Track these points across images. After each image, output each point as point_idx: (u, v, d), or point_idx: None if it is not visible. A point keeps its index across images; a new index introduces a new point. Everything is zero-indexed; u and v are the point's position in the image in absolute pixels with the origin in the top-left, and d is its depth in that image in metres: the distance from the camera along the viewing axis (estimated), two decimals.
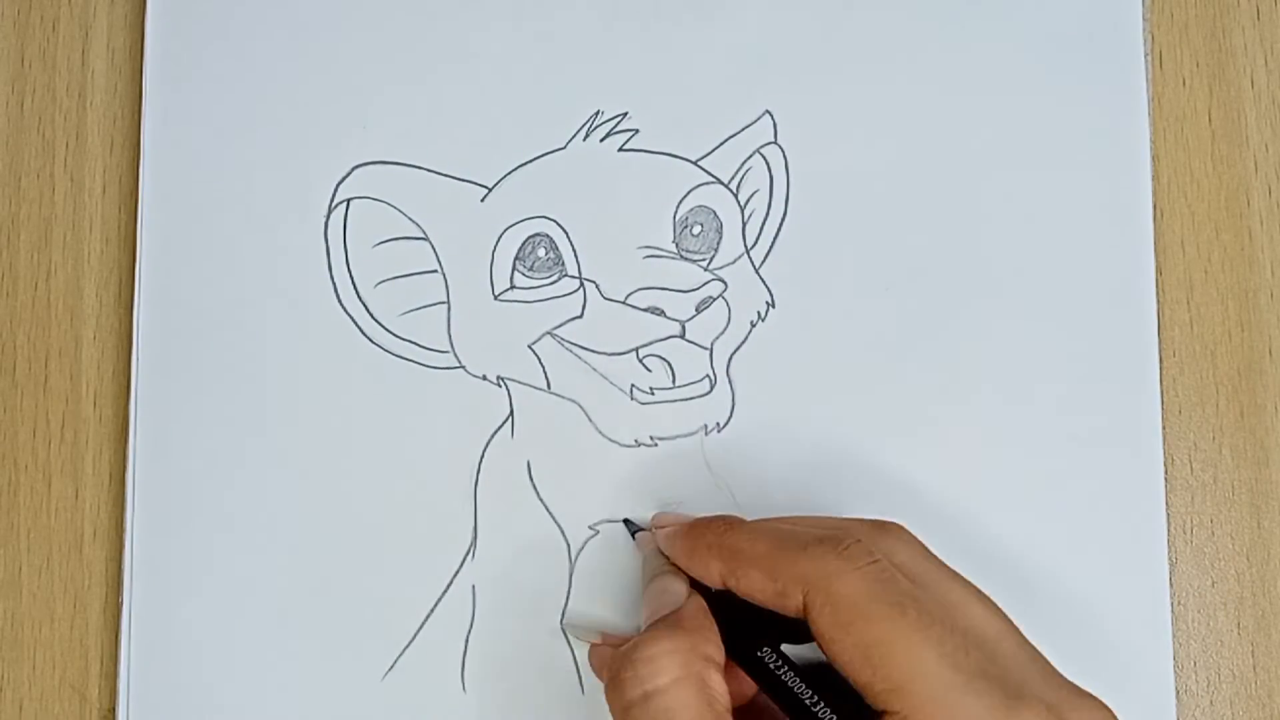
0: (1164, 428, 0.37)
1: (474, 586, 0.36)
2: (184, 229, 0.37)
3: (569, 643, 0.36)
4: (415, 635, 0.36)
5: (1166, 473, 0.37)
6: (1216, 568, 0.37)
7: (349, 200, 0.37)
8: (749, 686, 0.31)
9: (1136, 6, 0.38)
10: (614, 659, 0.29)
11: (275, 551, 0.36)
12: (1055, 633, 0.36)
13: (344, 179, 0.38)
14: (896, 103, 0.38)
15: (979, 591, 0.29)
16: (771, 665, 0.30)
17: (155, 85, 0.38)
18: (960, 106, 0.38)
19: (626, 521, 0.36)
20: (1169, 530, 0.36)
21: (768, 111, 0.38)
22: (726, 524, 0.32)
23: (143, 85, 0.38)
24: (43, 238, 0.38)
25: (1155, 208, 0.38)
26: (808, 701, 0.29)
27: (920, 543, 0.30)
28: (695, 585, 0.32)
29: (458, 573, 0.36)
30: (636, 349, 0.36)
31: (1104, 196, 0.38)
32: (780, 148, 0.38)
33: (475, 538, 0.36)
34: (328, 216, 0.37)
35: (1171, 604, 0.36)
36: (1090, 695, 0.28)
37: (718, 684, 0.29)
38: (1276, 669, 0.37)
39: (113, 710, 0.36)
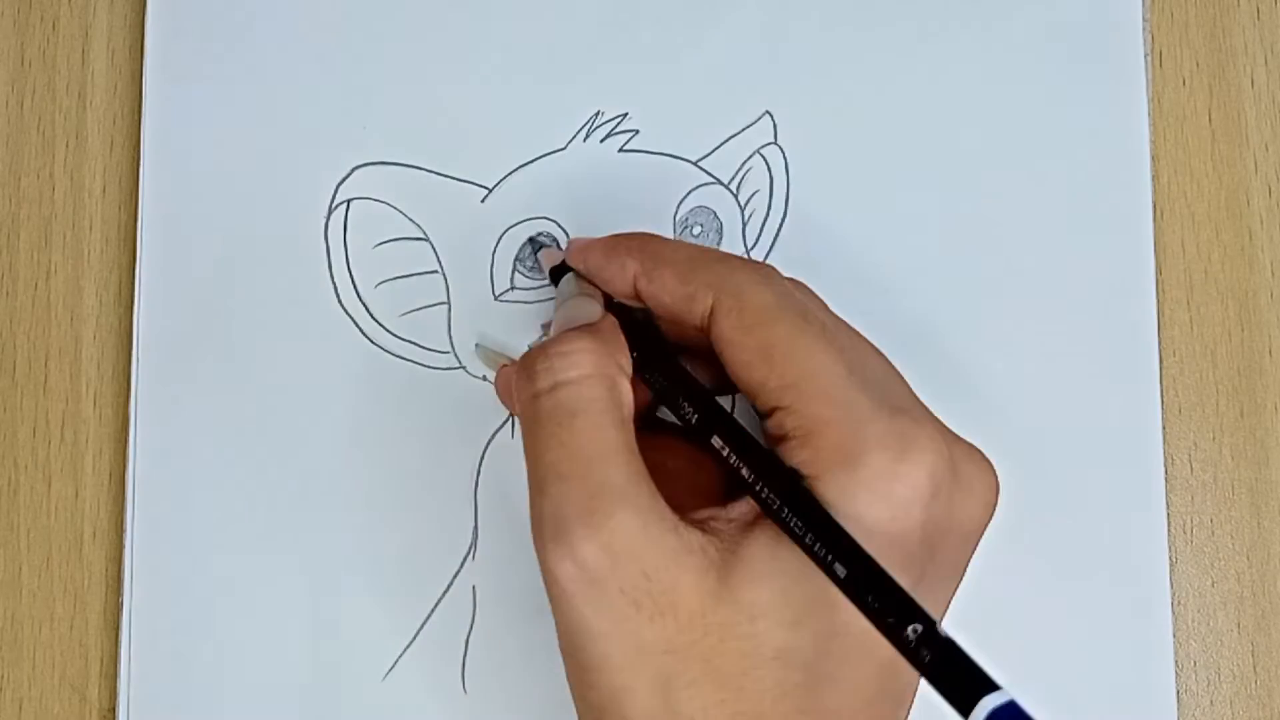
0: (1164, 428, 0.37)
1: (474, 586, 0.36)
2: (184, 229, 0.37)
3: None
4: (415, 635, 0.36)
5: (1166, 473, 0.37)
6: (1216, 568, 0.37)
7: (349, 201, 0.37)
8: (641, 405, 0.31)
9: (1136, 6, 0.38)
10: (528, 354, 0.30)
11: (275, 551, 0.36)
12: (1055, 633, 0.36)
13: (344, 179, 0.38)
14: (896, 103, 0.38)
15: (874, 347, 0.31)
16: (670, 382, 0.30)
17: (155, 85, 0.38)
18: (960, 106, 0.38)
19: (531, 240, 0.37)
20: (1169, 530, 0.36)
21: (768, 111, 0.38)
22: (649, 234, 0.32)
23: (143, 85, 0.38)
24: (43, 238, 0.38)
25: (1155, 208, 0.38)
26: (696, 415, 0.29)
27: (822, 301, 0.31)
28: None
29: (458, 573, 0.36)
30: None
31: (1104, 196, 0.38)
32: (780, 148, 0.38)
33: (475, 538, 0.36)
34: (328, 217, 0.37)
35: (1171, 604, 0.36)
36: (977, 449, 0.29)
37: (625, 389, 0.29)
38: (1276, 669, 0.37)
39: (113, 710, 0.36)
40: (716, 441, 0.28)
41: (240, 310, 0.37)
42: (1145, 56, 0.38)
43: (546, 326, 0.36)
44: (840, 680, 0.27)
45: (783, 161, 0.38)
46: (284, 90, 0.38)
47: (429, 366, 0.37)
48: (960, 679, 0.23)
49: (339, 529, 0.36)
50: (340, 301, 0.37)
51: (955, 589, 0.29)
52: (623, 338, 0.30)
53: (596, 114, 0.38)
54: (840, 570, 0.25)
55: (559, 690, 0.36)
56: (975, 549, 0.29)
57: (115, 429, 0.38)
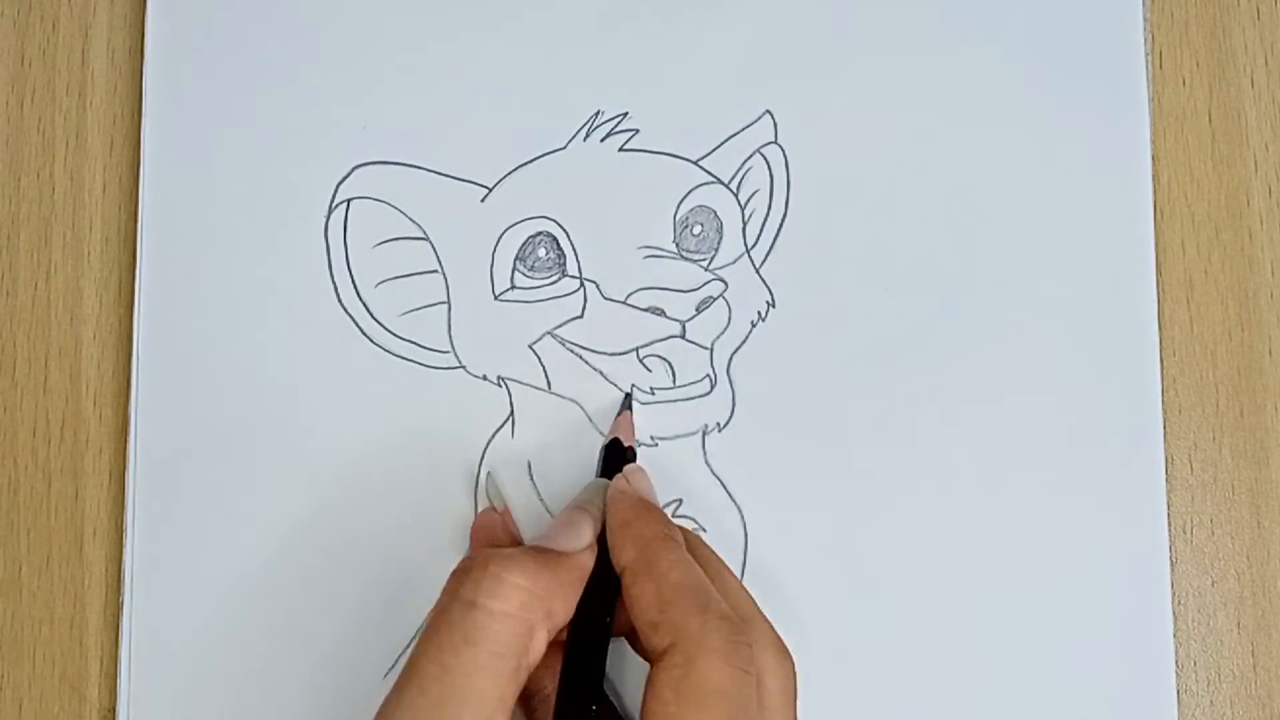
0: (1164, 428, 0.37)
1: None
2: (184, 229, 0.37)
3: None
4: (415, 635, 0.36)
5: (1166, 473, 0.37)
6: (1216, 568, 0.37)
7: (349, 200, 0.37)
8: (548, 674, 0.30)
9: (1136, 6, 0.38)
10: (478, 554, 0.29)
11: (275, 551, 0.36)
12: (1055, 632, 0.36)
13: (344, 179, 0.38)
14: (896, 102, 0.38)
15: None
16: (578, 651, 0.29)
17: (155, 85, 0.38)
18: (960, 106, 0.38)
19: (627, 396, 0.36)
20: (1169, 530, 0.36)
21: (768, 111, 0.38)
22: (670, 536, 0.31)
23: (143, 85, 0.38)
24: (43, 238, 0.38)
25: (1155, 208, 0.38)
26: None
27: (794, 688, 0.30)
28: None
29: None
30: (637, 349, 0.36)
31: (1104, 196, 0.38)
32: (780, 148, 0.38)
33: None
34: (328, 216, 0.37)
35: (1171, 604, 0.36)
36: None
37: (538, 646, 0.28)
38: (1276, 669, 0.37)
39: (113, 710, 0.36)
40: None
41: (240, 310, 0.37)
42: (1145, 56, 0.38)
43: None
44: None
45: (783, 161, 0.38)
46: (284, 90, 0.38)
47: (429, 366, 0.37)
48: None
49: (339, 528, 0.36)
50: (340, 301, 0.37)
51: None
52: (578, 592, 0.29)
53: (597, 113, 0.38)
54: None
55: None
56: None
57: (115, 429, 0.38)
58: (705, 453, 0.36)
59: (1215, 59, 0.39)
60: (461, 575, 0.28)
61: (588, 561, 0.30)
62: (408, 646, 0.36)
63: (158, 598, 0.36)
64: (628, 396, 0.36)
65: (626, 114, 0.38)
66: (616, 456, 0.35)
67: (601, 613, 0.30)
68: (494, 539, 0.35)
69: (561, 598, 0.29)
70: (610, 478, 0.33)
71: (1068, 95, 0.38)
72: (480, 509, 0.36)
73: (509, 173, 0.37)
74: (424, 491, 0.36)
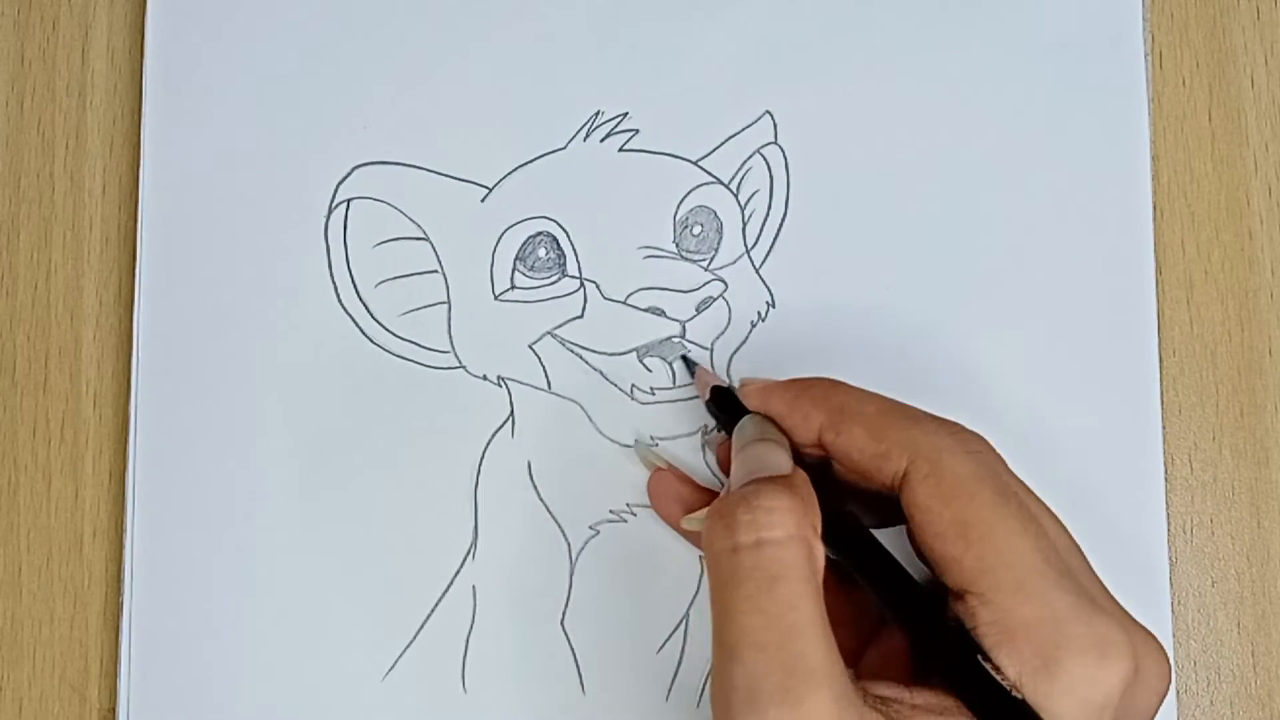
0: (1164, 428, 0.37)
1: (474, 586, 0.36)
2: (184, 229, 0.37)
3: (569, 643, 0.36)
4: (415, 635, 0.36)
5: (1166, 473, 0.37)
6: (1216, 568, 0.37)
7: (349, 200, 0.37)
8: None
9: (1136, 6, 0.38)
10: (728, 500, 0.28)
11: (275, 551, 0.36)
12: None
13: (344, 179, 0.38)
14: (896, 103, 0.38)
15: (1052, 511, 0.30)
16: (859, 543, 0.29)
17: (155, 85, 0.38)
18: (960, 106, 0.38)
19: (685, 359, 0.36)
20: (1169, 530, 0.36)
21: (768, 111, 0.38)
22: (832, 381, 0.31)
23: (143, 85, 0.38)
24: (43, 238, 0.38)
25: (1155, 208, 0.38)
26: (890, 584, 0.29)
27: (1003, 459, 0.30)
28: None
29: (458, 573, 0.36)
30: (637, 349, 0.36)
31: (1104, 197, 0.38)
32: (780, 148, 0.38)
33: (475, 538, 0.36)
34: (328, 216, 0.37)
35: (1171, 604, 0.36)
36: (1154, 638, 0.28)
37: (820, 556, 0.28)
38: (1276, 669, 0.37)
39: (113, 710, 0.36)
40: (915, 630, 0.28)
41: (240, 310, 0.37)
42: (1145, 56, 0.38)
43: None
44: None
45: (783, 161, 0.38)
46: (284, 90, 0.38)
47: (429, 366, 0.37)
48: None
49: (339, 528, 0.36)
50: (340, 301, 0.37)
51: None
52: (814, 496, 0.29)
53: (597, 113, 0.38)
54: None
55: (558, 690, 0.36)
56: None
57: (115, 429, 0.38)
58: (705, 453, 0.36)
59: (1215, 59, 0.39)
60: (728, 523, 0.28)
61: (803, 474, 0.30)
62: (408, 646, 0.36)
63: (158, 598, 0.36)
64: (686, 359, 0.36)
65: (626, 114, 0.38)
66: (724, 396, 0.34)
67: (848, 513, 0.30)
68: (678, 494, 0.35)
69: (812, 507, 0.29)
70: (736, 417, 0.33)
71: (1068, 95, 0.38)
72: (642, 466, 0.36)
73: (509, 173, 0.37)
74: (424, 491, 0.36)
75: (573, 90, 0.38)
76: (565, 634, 0.36)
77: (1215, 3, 0.39)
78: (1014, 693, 0.26)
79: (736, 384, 0.34)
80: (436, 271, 0.37)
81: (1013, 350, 0.37)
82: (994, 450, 0.30)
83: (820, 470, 0.31)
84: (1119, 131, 0.38)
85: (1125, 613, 0.28)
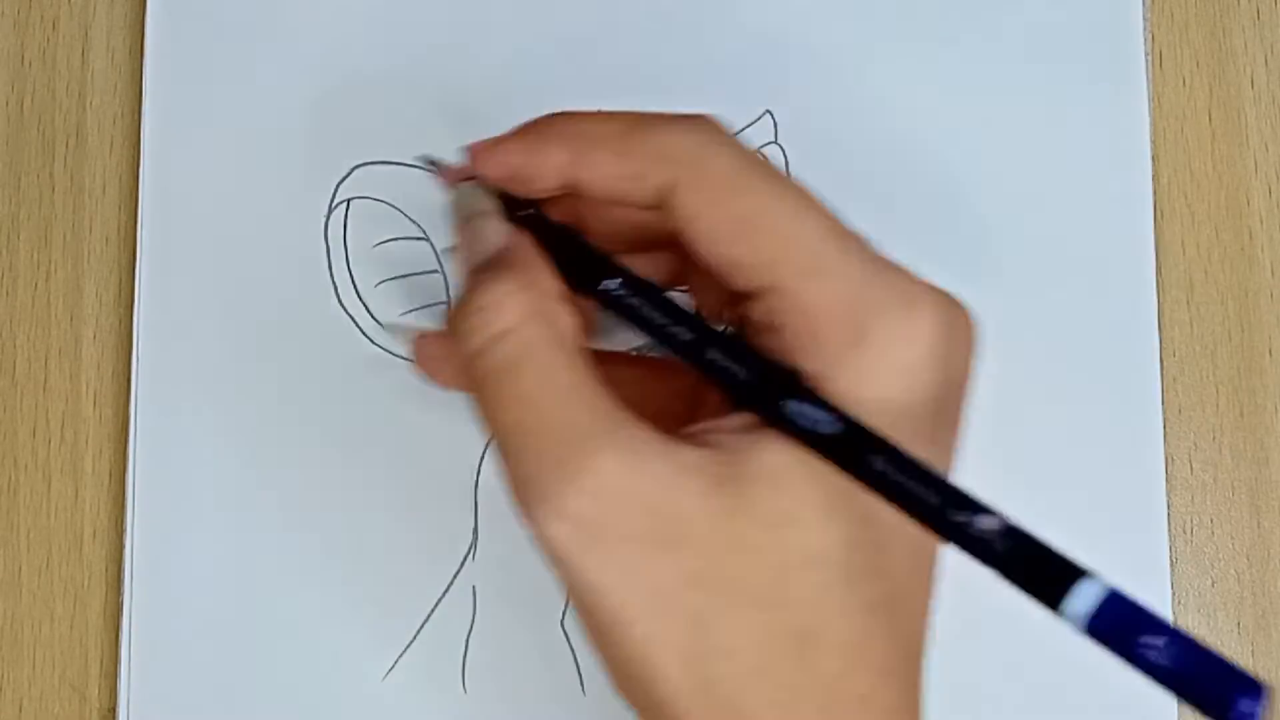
0: (1164, 428, 0.37)
1: (474, 586, 0.36)
2: (184, 229, 0.37)
3: (569, 643, 0.36)
4: (415, 635, 0.36)
5: (1166, 473, 0.37)
6: (1216, 568, 0.37)
7: (349, 200, 0.37)
8: (587, 315, 0.29)
9: (1137, 6, 0.38)
10: (451, 315, 0.27)
11: (275, 551, 0.36)
12: (1056, 632, 0.36)
13: (344, 179, 0.38)
14: (896, 103, 0.38)
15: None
16: (616, 290, 0.27)
17: (155, 85, 0.38)
18: (959, 106, 0.38)
19: (428, 160, 0.32)
20: (1169, 530, 0.36)
21: (768, 111, 0.38)
22: (568, 112, 0.28)
23: (143, 85, 0.38)
24: (43, 238, 0.38)
25: (1155, 208, 0.38)
26: (663, 322, 0.26)
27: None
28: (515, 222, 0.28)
29: (458, 573, 0.36)
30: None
31: (1104, 197, 0.38)
32: (780, 147, 0.38)
33: (475, 538, 0.36)
34: (328, 216, 0.37)
35: (1171, 604, 0.36)
36: (951, 294, 0.27)
37: (565, 317, 0.26)
38: (1276, 669, 0.37)
39: (113, 710, 0.36)
40: (713, 356, 0.26)
41: (240, 310, 0.37)
42: (1145, 56, 0.38)
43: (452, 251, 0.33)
44: (880, 571, 0.25)
45: (783, 161, 0.38)
46: (284, 90, 0.38)
47: None
48: (1040, 569, 0.22)
49: (339, 528, 0.36)
50: (340, 301, 0.37)
51: (957, 443, 0.28)
52: (540, 257, 0.27)
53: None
54: (877, 466, 0.23)
55: (559, 690, 0.36)
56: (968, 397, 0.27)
57: (115, 429, 0.38)
58: None
59: (1215, 59, 0.39)
60: (461, 335, 0.26)
61: (521, 239, 0.28)
62: (408, 646, 0.36)
63: (158, 598, 0.36)
64: (432, 162, 0.32)
65: None
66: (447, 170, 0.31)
67: (586, 251, 0.28)
68: (444, 350, 0.32)
69: (540, 273, 0.27)
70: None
71: (1068, 95, 0.38)
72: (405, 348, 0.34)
73: None
74: (424, 492, 0.36)
75: (572, 90, 0.38)
76: (565, 634, 0.36)
77: (1215, 3, 0.39)
78: (814, 379, 0.25)
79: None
80: (436, 272, 0.37)
81: (1012, 350, 0.37)
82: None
83: (552, 227, 0.28)
84: (1119, 131, 0.38)
85: (914, 274, 0.26)
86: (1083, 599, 0.22)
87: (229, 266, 0.37)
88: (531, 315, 0.26)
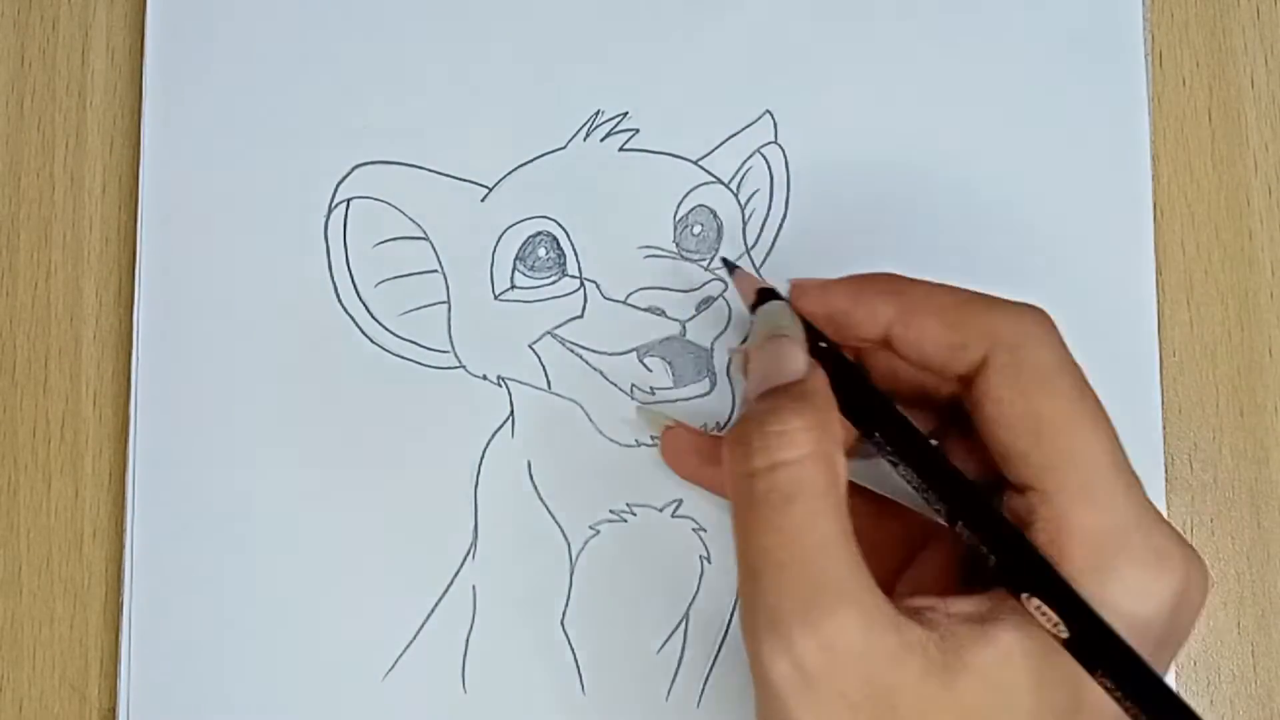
0: (1164, 428, 0.37)
1: (474, 586, 0.36)
2: (184, 229, 0.37)
3: (569, 643, 0.36)
4: (415, 635, 0.36)
5: (1166, 473, 0.37)
6: (1216, 568, 0.37)
7: (349, 200, 0.37)
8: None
9: (1136, 6, 0.38)
10: (740, 428, 0.27)
11: (275, 551, 0.36)
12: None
13: (344, 179, 0.38)
14: (896, 103, 0.38)
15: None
16: (890, 447, 0.28)
17: (155, 85, 0.38)
18: (960, 106, 0.38)
19: (725, 261, 0.34)
20: None
21: (768, 111, 0.38)
22: (895, 276, 0.30)
23: (143, 85, 0.38)
24: (43, 238, 0.38)
25: (1155, 208, 0.38)
26: (921, 486, 0.28)
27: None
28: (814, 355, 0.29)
29: (458, 573, 0.36)
30: (637, 349, 0.36)
31: (1104, 197, 0.38)
32: (780, 147, 0.38)
33: (475, 538, 0.36)
34: (328, 216, 0.37)
35: None
36: (1195, 552, 0.27)
37: (841, 466, 0.27)
38: (1276, 669, 0.37)
39: (113, 710, 0.36)
40: (963, 530, 0.27)
41: (240, 310, 0.37)
42: (1145, 56, 0.38)
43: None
44: None
45: (783, 161, 0.38)
46: (284, 90, 0.38)
47: (429, 366, 0.37)
48: None
49: (338, 528, 0.36)
50: (340, 301, 0.37)
51: None
52: (834, 399, 0.28)
53: (597, 113, 0.38)
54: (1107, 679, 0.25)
55: (558, 690, 0.36)
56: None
57: (115, 429, 0.38)
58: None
59: (1215, 59, 0.39)
60: (744, 450, 0.27)
61: (821, 376, 0.29)
62: (408, 646, 0.36)
63: (158, 598, 0.36)
64: (726, 261, 0.35)
65: (626, 114, 0.38)
66: (770, 295, 0.33)
67: (878, 399, 0.29)
68: (692, 446, 0.34)
69: (831, 418, 0.28)
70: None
71: (1068, 95, 0.38)
72: (649, 430, 0.35)
73: (509, 173, 0.37)
74: (424, 491, 0.36)
75: (573, 90, 0.38)
76: (565, 634, 0.36)
77: (1215, 3, 0.39)
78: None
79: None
80: (436, 271, 0.37)
81: None
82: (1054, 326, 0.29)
83: (848, 366, 0.30)
84: (1119, 132, 0.38)
85: (1173, 527, 0.27)
86: None
87: (229, 266, 0.37)
88: (817, 455, 0.26)
